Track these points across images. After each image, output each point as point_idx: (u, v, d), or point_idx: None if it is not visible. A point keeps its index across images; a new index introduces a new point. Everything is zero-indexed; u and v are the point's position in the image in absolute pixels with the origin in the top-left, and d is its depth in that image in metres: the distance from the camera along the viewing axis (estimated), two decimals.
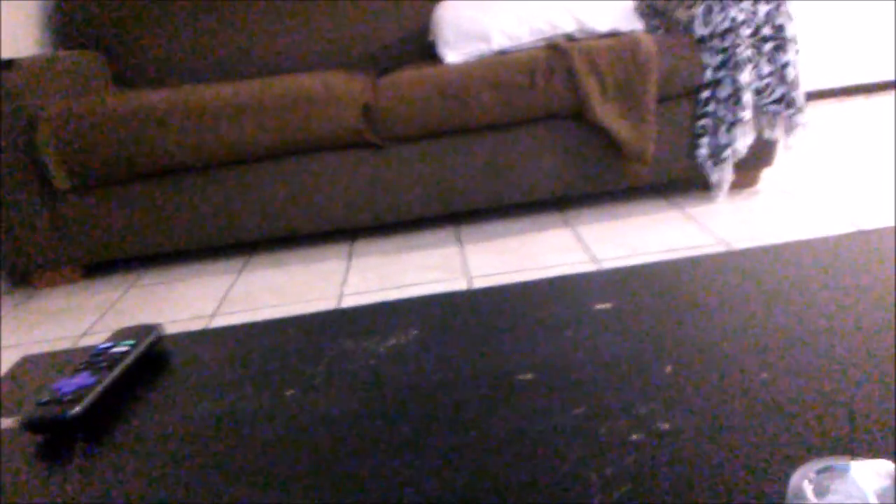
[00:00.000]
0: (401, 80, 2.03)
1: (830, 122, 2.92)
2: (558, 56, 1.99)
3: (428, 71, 2.04)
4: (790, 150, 2.08)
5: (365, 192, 2.12)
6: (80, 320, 1.91)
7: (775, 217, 1.97)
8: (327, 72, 2.24)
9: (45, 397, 0.52)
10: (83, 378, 0.54)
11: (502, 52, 2.11)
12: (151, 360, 0.61)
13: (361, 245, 2.22)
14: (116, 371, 0.56)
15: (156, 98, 2.03)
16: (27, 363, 0.64)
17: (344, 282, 1.93)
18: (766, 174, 2.34)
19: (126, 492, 0.44)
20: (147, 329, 0.63)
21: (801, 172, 2.33)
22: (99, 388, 0.53)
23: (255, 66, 2.54)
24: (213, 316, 1.82)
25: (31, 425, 0.50)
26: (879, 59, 3.26)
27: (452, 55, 2.13)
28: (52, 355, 0.65)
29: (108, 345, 0.59)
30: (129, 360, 0.58)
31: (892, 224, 0.68)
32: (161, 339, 0.64)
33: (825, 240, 0.68)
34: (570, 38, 2.12)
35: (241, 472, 0.45)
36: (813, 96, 3.33)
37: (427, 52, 2.45)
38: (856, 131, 2.74)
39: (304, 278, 2.00)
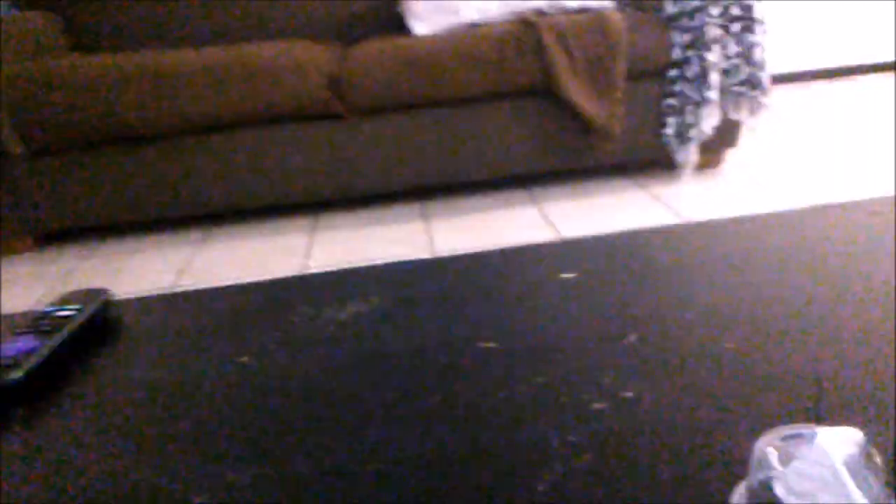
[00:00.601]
0: (368, 51, 2.00)
1: (794, 105, 2.96)
2: (528, 30, 1.97)
3: (396, 42, 2.00)
4: (754, 132, 2.11)
5: (329, 165, 2.09)
6: (33, 290, 1.85)
7: (739, 197, 1.99)
8: (293, 41, 2.19)
9: None
10: (26, 342, 0.51)
11: (472, 25, 2.08)
12: (99, 325, 0.59)
13: (325, 218, 2.19)
14: (61, 335, 0.53)
15: (113, 63, 1.96)
16: None
17: (307, 255, 1.90)
18: (731, 155, 2.37)
19: (67, 458, 0.42)
20: (95, 293, 0.60)
21: (764, 153, 2.36)
22: (42, 353, 0.51)
23: (219, 34, 2.48)
24: (171, 288, 1.78)
25: None
26: (844, 43, 3.31)
27: (421, 27, 2.10)
28: None
29: (52, 308, 0.57)
30: (74, 323, 0.55)
31: (855, 199, 0.69)
32: (109, 304, 0.61)
33: (788, 213, 0.69)
34: (540, 12, 2.10)
35: (191, 439, 0.43)
36: (777, 80, 3.37)
37: (396, 23, 2.41)
38: (818, 115, 2.78)
39: (266, 251, 1.97)
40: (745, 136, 2.57)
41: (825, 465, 0.28)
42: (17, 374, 0.48)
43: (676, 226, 0.69)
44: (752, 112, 2.04)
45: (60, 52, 2.33)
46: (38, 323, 0.55)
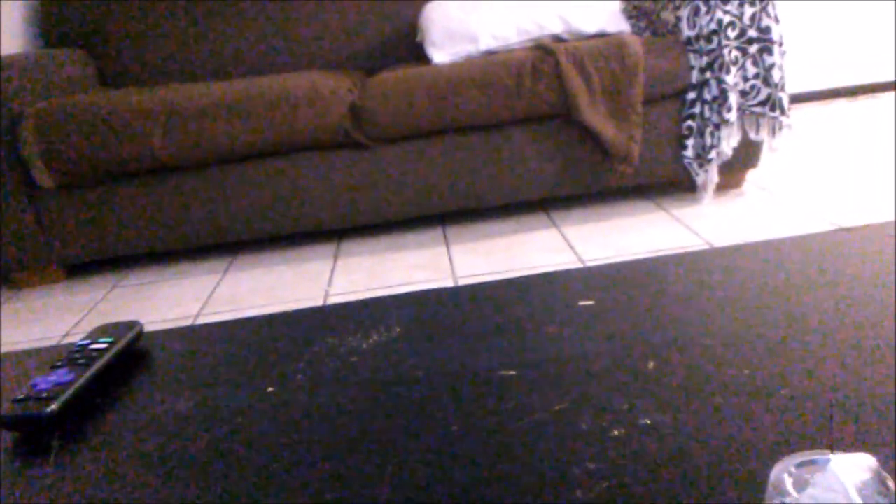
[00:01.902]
0: (388, 80, 2.03)
1: (814, 125, 2.94)
2: (546, 57, 1.99)
3: (415, 71, 2.03)
4: (775, 152, 2.10)
5: (351, 192, 2.12)
6: (63, 320, 1.89)
7: (760, 218, 1.98)
8: (314, 72, 2.23)
9: (22, 394, 0.51)
10: (61, 375, 0.53)
11: (490, 53, 2.11)
12: (131, 356, 0.61)
13: (348, 245, 2.21)
14: (95, 368, 0.55)
15: (140, 97, 2.02)
16: (6, 360, 0.63)
17: (330, 282, 1.92)
18: (751, 175, 2.36)
19: (102, 489, 0.44)
20: (127, 326, 0.62)
21: (785, 174, 2.35)
22: (76, 385, 0.52)
23: (242, 66, 2.53)
24: (197, 316, 1.80)
25: (6, 423, 0.50)
26: (863, 62, 3.29)
27: (440, 56, 2.13)
28: (32, 353, 0.64)
29: (86, 341, 0.59)
30: (107, 356, 0.57)
31: (871, 223, 0.69)
32: (141, 336, 0.63)
33: (806, 237, 0.69)
34: (557, 39, 2.12)
35: (221, 469, 0.44)
36: (797, 99, 3.36)
37: (415, 52, 2.45)
38: (840, 133, 2.76)
39: (289, 279, 1.99)
40: (765, 157, 2.56)
41: (838, 491, 0.29)
42: (53, 407, 0.50)
43: (692, 252, 0.69)
44: (773, 132, 2.04)
45: (89, 88, 2.40)
46: (73, 356, 0.57)
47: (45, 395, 0.51)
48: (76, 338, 1.77)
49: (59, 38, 2.49)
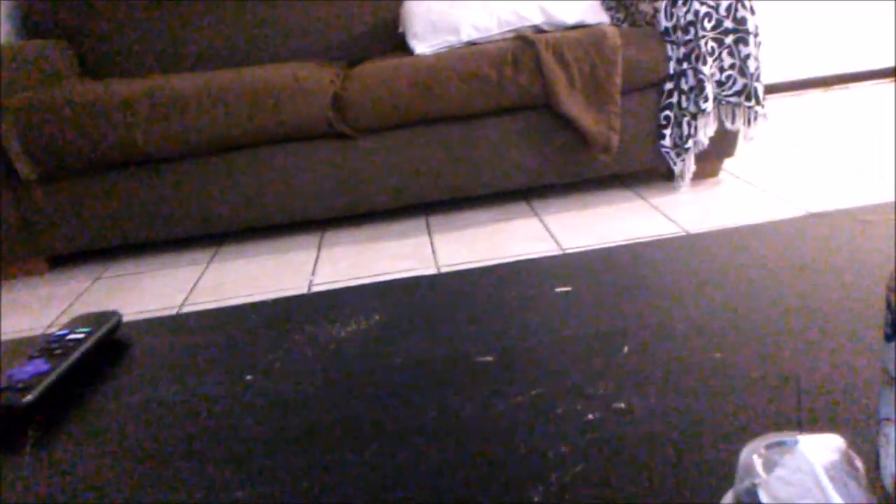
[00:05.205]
0: (370, 71, 2.04)
1: (789, 115, 2.97)
2: (526, 48, 2.00)
3: (397, 62, 2.04)
4: (751, 141, 2.12)
5: (335, 183, 2.13)
6: (46, 312, 1.90)
7: (736, 206, 2.01)
8: (298, 63, 2.23)
9: None
10: (37, 365, 0.54)
11: (471, 44, 2.12)
12: (110, 346, 0.61)
13: (331, 235, 2.22)
14: (72, 358, 0.56)
15: (123, 88, 2.01)
16: None
17: (314, 271, 1.94)
18: (728, 164, 2.38)
19: (78, 479, 0.44)
20: (105, 316, 0.63)
21: (761, 163, 2.38)
22: (53, 375, 0.53)
23: (225, 57, 2.53)
24: (181, 307, 1.81)
25: None
26: (837, 53, 3.32)
27: (422, 47, 2.14)
28: (10, 344, 0.65)
29: (64, 332, 0.60)
30: (85, 346, 0.58)
31: (841, 208, 0.70)
32: (120, 326, 0.64)
33: (777, 223, 0.69)
34: (537, 30, 2.13)
35: (198, 457, 0.45)
36: (772, 89, 3.39)
37: (397, 44, 2.45)
38: (813, 123, 2.79)
39: (274, 268, 2.00)
40: (742, 146, 2.58)
41: (807, 471, 0.29)
42: (29, 397, 0.51)
43: (666, 239, 0.70)
44: (748, 122, 2.06)
45: (70, 79, 2.39)
46: (50, 347, 0.57)
47: (21, 385, 0.52)
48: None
49: (41, 30, 2.48)
